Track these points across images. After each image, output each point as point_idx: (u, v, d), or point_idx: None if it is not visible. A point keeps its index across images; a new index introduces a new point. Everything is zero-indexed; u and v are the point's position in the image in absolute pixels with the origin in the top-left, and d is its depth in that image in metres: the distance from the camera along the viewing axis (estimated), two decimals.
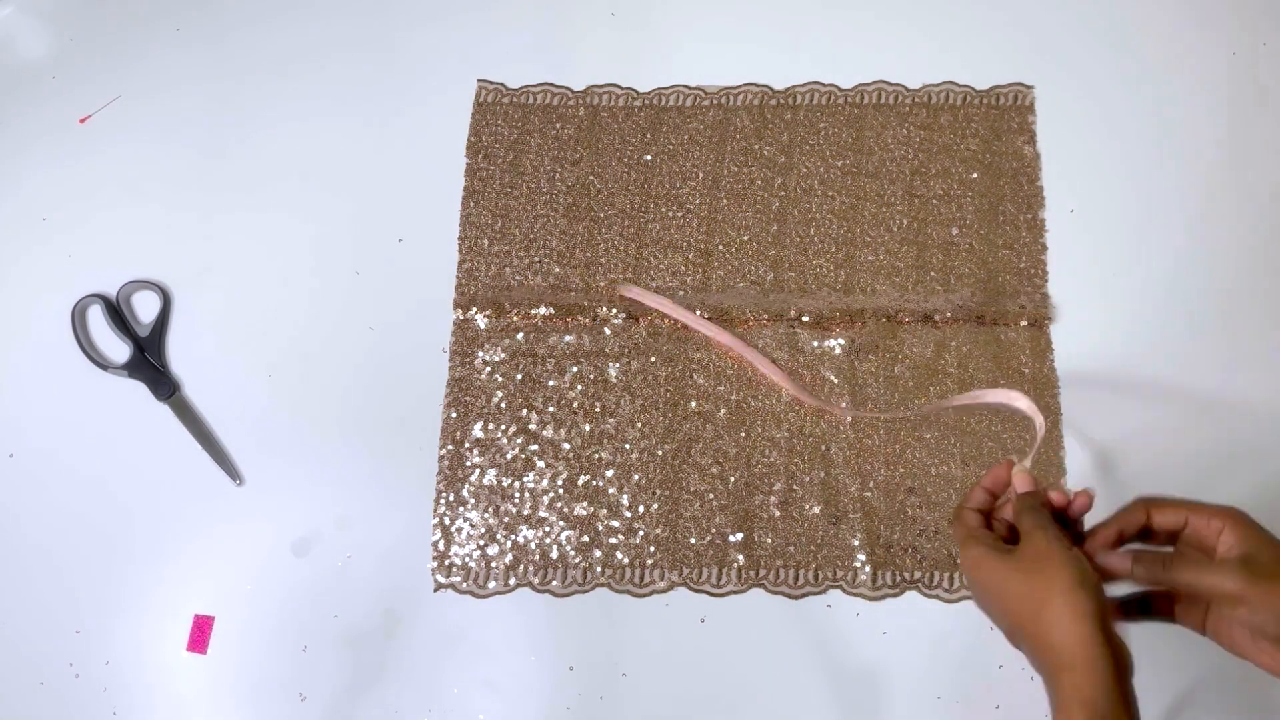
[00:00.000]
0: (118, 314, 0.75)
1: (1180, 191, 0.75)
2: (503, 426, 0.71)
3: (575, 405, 0.71)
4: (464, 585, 0.68)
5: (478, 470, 0.70)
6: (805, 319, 0.72)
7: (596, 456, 0.70)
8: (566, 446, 0.70)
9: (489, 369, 0.73)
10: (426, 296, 0.75)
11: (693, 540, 0.68)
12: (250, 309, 0.75)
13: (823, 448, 0.70)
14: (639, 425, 0.71)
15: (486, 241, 0.76)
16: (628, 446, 0.70)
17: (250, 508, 0.70)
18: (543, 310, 0.73)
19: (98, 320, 0.76)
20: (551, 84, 0.80)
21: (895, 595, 0.67)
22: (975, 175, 0.76)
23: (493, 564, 0.68)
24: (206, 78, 0.82)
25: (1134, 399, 0.70)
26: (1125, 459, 0.68)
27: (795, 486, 0.69)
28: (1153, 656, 0.51)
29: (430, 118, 0.80)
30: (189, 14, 0.85)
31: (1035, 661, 0.47)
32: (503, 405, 0.72)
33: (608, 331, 0.73)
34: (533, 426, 0.71)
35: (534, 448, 0.71)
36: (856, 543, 0.67)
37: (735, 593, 0.67)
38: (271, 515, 0.70)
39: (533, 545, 0.69)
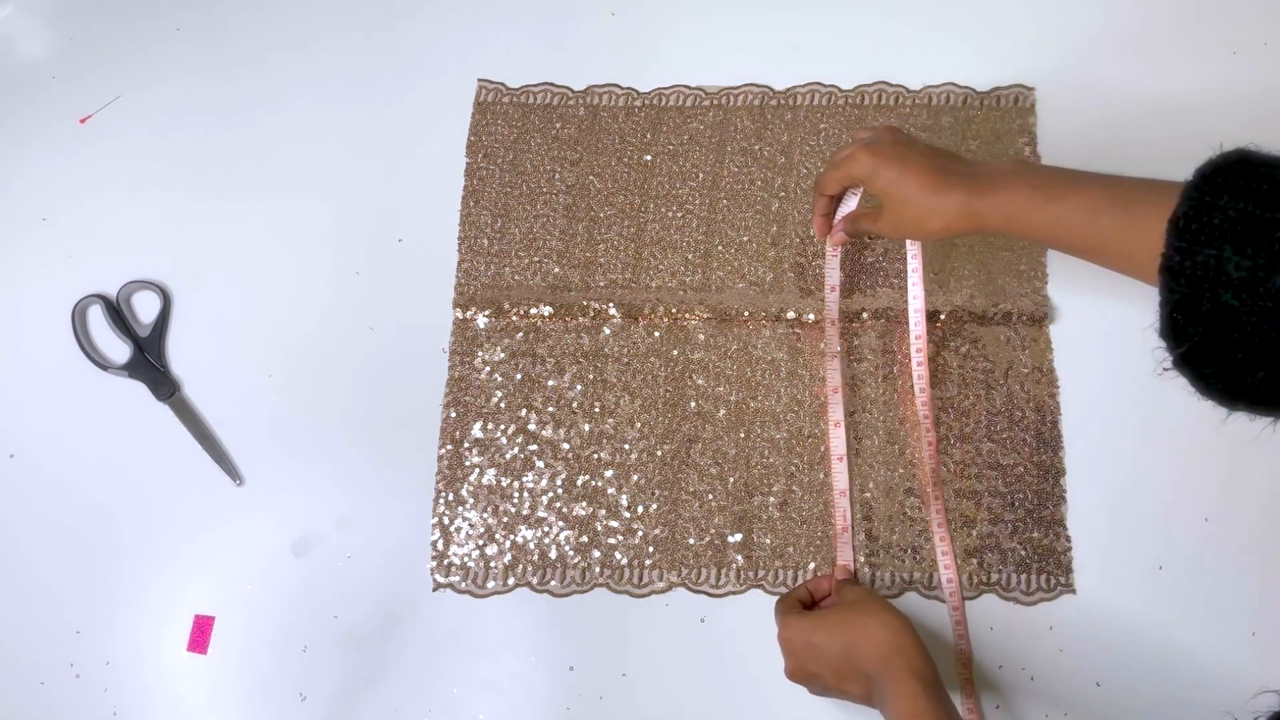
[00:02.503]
0: (118, 314, 0.75)
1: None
2: (502, 426, 0.71)
3: (574, 405, 0.71)
4: (463, 585, 0.68)
5: (477, 470, 0.70)
6: (805, 319, 0.72)
7: (595, 457, 0.70)
8: (566, 446, 0.71)
9: (488, 369, 0.73)
10: (426, 296, 0.75)
11: (692, 541, 0.68)
12: (250, 309, 0.75)
13: (822, 448, 0.70)
14: (638, 425, 0.71)
15: (486, 241, 0.76)
16: (627, 447, 0.70)
17: (250, 508, 0.71)
18: (542, 310, 0.73)
19: (98, 320, 0.76)
20: (551, 84, 0.80)
21: (894, 596, 0.67)
22: None
23: (491, 564, 0.68)
24: (207, 78, 0.82)
25: (1134, 399, 0.70)
26: (1125, 459, 0.69)
27: (794, 487, 0.69)
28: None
29: (430, 118, 0.80)
30: (189, 14, 0.85)
31: (855, 685, 0.57)
32: (502, 405, 0.72)
33: (607, 331, 0.73)
34: (532, 426, 0.71)
35: (533, 447, 0.71)
36: (856, 544, 0.67)
37: (734, 593, 0.67)
38: (271, 515, 0.70)
39: (531, 545, 0.69)
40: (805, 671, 0.60)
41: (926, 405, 0.69)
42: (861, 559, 0.67)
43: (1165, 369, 0.48)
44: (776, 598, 0.65)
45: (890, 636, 0.56)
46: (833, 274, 0.70)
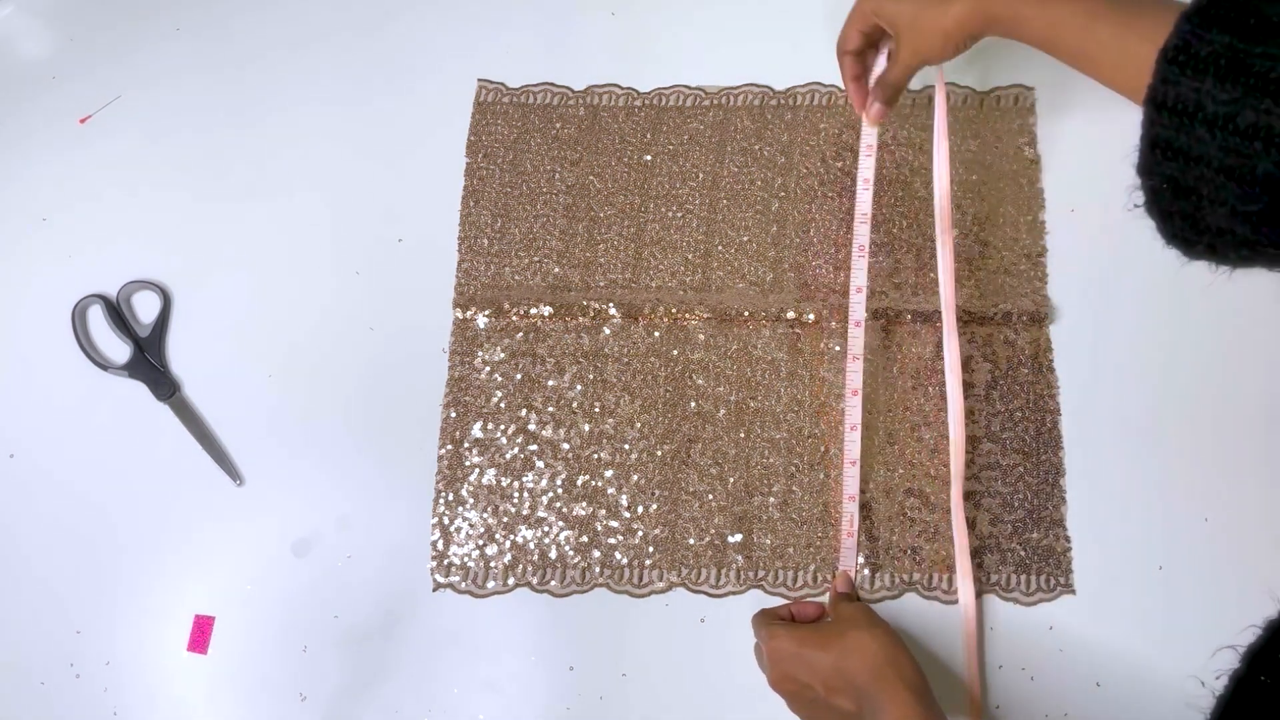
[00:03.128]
0: (118, 314, 0.75)
1: None
2: (502, 426, 0.71)
3: (574, 405, 0.71)
4: (463, 585, 0.68)
5: (477, 470, 0.70)
6: (805, 319, 0.72)
7: (595, 457, 0.70)
8: (566, 446, 0.71)
9: (488, 369, 0.73)
10: (426, 296, 0.75)
11: (691, 541, 0.68)
12: (250, 309, 0.75)
13: (822, 449, 0.70)
14: (638, 425, 0.71)
15: (486, 241, 0.76)
16: (627, 447, 0.70)
17: (250, 508, 0.71)
18: (542, 310, 0.73)
19: (98, 320, 0.76)
20: (551, 84, 0.80)
21: (894, 597, 0.67)
22: (975, 177, 0.76)
23: (491, 564, 0.68)
24: (207, 77, 0.82)
25: (1133, 399, 0.70)
26: (1125, 459, 0.69)
27: (794, 488, 0.69)
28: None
29: (430, 118, 0.80)
30: (189, 14, 0.85)
31: (845, 698, 0.56)
32: (502, 405, 0.72)
33: (607, 331, 0.73)
34: (532, 426, 0.71)
35: (533, 447, 0.71)
36: (856, 544, 0.67)
37: (734, 594, 0.67)
38: (271, 515, 0.70)
39: (531, 545, 0.69)
40: (794, 682, 0.58)
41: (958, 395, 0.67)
42: (861, 559, 0.67)
43: (1135, 205, 0.49)
44: (765, 606, 0.64)
45: (881, 649, 0.56)
46: (860, 274, 0.69)
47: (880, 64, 0.68)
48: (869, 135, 0.69)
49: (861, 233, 0.70)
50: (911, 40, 0.63)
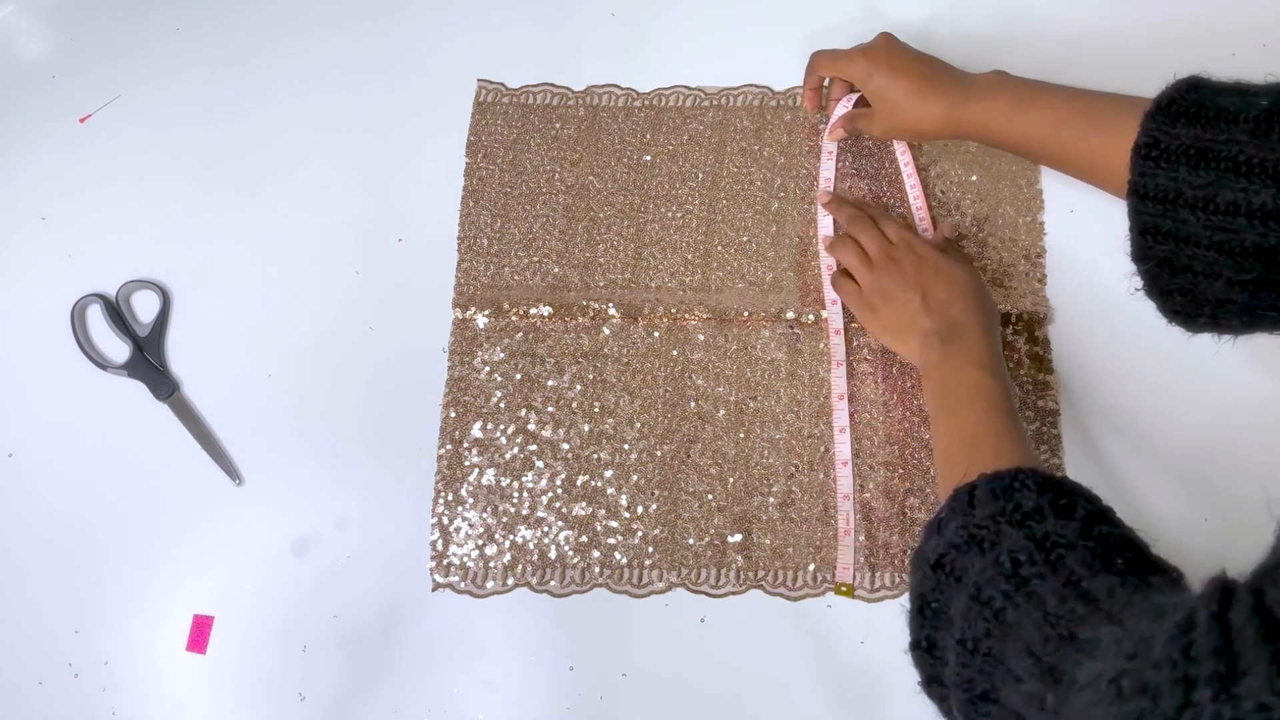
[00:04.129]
0: (117, 314, 0.75)
1: None
2: (501, 426, 0.71)
3: (574, 405, 0.71)
4: (462, 585, 0.68)
5: (476, 470, 0.70)
6: (805, 319, 0.72)
7: (595, 457, 0.70)
8: (565, 446, 0.71)
9: (488, 369, 0.73)
10: (426, 296, 0.75)
11: (691, 541, 0.68)
12: (250, 309, 0.75)
13: (821, 449, 0.70)
14: (638, 426, 0.71)
15: (486, 241, 0.76)
16: (626, 447, 0.70)
17: (250, 508, 0.71)
18: (542, 310, 0.73)
19: (97, 320, 0.76)
20: (551, 84, 0.80)
21: (894, 597, 0.67)
22: (974, 178, 0.76)
23: (491, 564, 0.68)
24: (206, 77, 0.82)
25: (1132, 400, 0.70)
26: (1124, 459, 0.69)
27: (794, 488, 0.69)
28: None
29: (430, 118, 0.80)
30: (189, 13, 0.85)
31: (928, 321, 0.64)
32: (501, 405, 0.72)
33: (607, 331, 0.73)
34: (531, 426, 0.71)
35: (533, 447, 0.71)
36: (855, 545, 0.67)
37: (734, 594, 0.67)
38: (271, 515, 0.70)
39: (531, 545, 0.69)
40: (903, 280, 0.66)
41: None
42: (861, 559, 0.67)
43: (1136, 289, 0.53)
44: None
45: (979, 287, 0.66)
46: (831, 290, 0.72)
47: (844, 107, 0.74)
48: (830, 144, 0.76)
49: (825, 226, 0.74)
50: (886, 121, 0.69)
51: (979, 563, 0.44)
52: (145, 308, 0.76)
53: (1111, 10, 0.80)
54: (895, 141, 0.76)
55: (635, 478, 0.70)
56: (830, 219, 0.74)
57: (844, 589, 0.66)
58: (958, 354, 0.61)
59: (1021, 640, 0.40)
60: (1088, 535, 0.42)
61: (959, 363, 0.60)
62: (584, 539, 0.69)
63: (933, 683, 0.46)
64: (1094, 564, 0.41)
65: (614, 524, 0.69)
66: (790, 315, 0.72)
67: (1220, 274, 0.47)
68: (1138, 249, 0.51)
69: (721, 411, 0.71)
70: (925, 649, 0.46)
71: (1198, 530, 0.66)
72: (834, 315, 0.72)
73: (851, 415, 0.70)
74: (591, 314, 0.73)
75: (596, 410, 0.71)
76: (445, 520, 0.69)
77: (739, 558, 0.68)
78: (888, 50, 0.68)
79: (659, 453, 0.70)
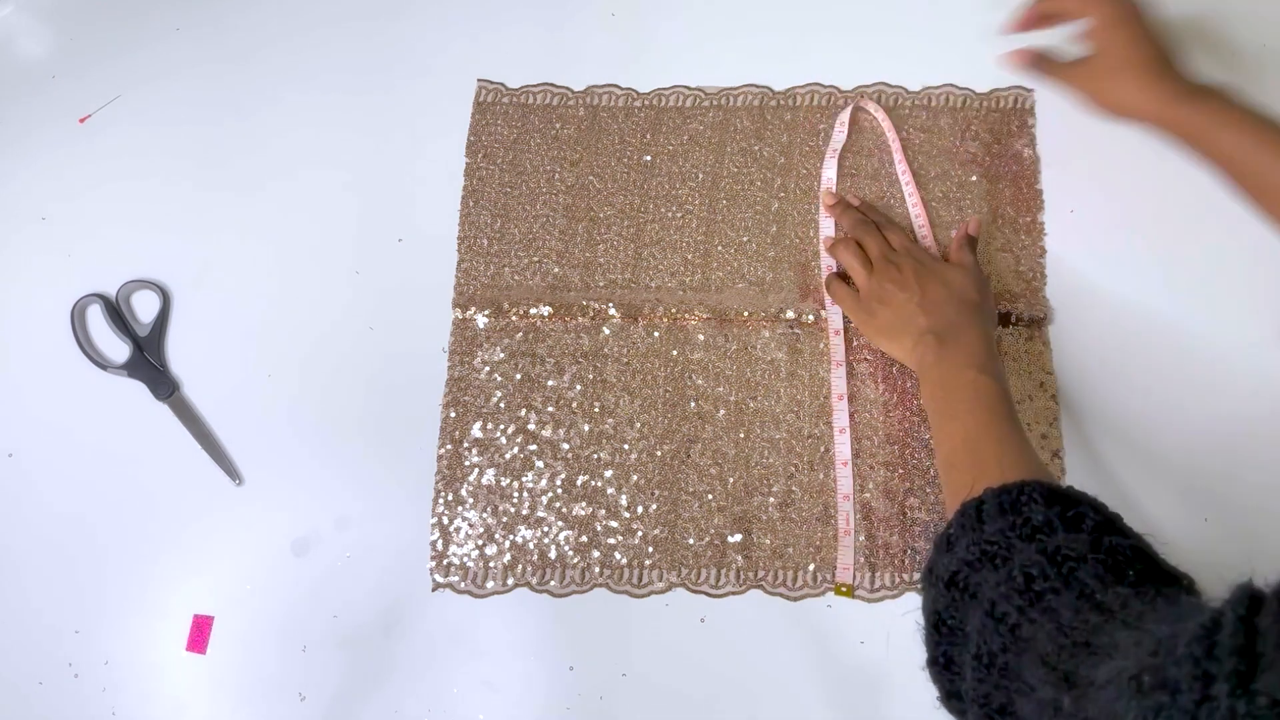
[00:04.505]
0: (117, 314, 0.75)
1: (1179, 192, 0.75)
2: (501, 426, 0.71)
3: (574, 405, 0.71)
4: (462, 585, 0.68)
5: (476, 470, 0.70)
6: (805, 319, 0.72)
7: (595, 457, 0.70)
8: (565, 446, 0.71)
9: (488, 368, 0.73)
10: (426, 296, 0.75)
11: (691, 541, 0.68)
12: (250, 309, 0.75)
13: (821, 449, 0.70)
14: (638, 426, 0.71)
15: (486, 241, 0.76)
16: (626, 447, 0.70)
17: (250, 508, 0.70)
18: (542, 310, 0.73)
19: (97, 320, 0.76)
20: (551, 84, 0.80)
21: (894, 597, 0.67)
22: (975, 178, 0.76)
23: (491, 564, 0.68)
24: (206, 77, 0.82)
25: (1132, 400, 0.70)
26: (1124, 460, 0.69)
27: (794, 488, 0.69)
28: None
29: (430, 118, 0.80)
30: (189, 14, 0.85)
31: (924, 318, 0.64)
32: (501, 405, 0.72)
33: (607, 331, 0.73)
34: (531, 426, 0.71)
35: (533, 447, 0.71)
36: (855, 545, 0.67)
37: (734, 594, 0.67)
38: (271, 515, 0.70)
39: (531, 545, 0.69)
40: (899, 284, 0.66)
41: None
42: (861, 559, 0.67)
43: None
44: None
45: (977, 286, 0.66)
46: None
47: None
48: (833, 145, 0.75)
49: (826, 227, 0.74)
50: (1097, 83, 0.66)
51: (992, 578, 0.44)
52: (145, 308, 0.76)
53: None
54: (891, 139, 0.76)
55: (635, 478, 0.70)
56: (831, 220, 0.74)
57: (844, 589, 0.66)
58: (954, 355, 0.61)
59: (1036, 652, 0.40)
60: (1097, 547, 0.42)
61: (956, 365, 0.60)
62: (584, 539, 0.69)
63: (952, 698, 0.46)
64: (1106, 576, 0.41)
65: (614, 524, 0.69)
66: (790, 315, 0.72)
67: None
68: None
69: (721, 411, 0.71)
70: (942, 665, 0.46)
71: (1197, 530, 0.66)
72: (834, 315, 0.72)
73: (851, 415, 0.70)
74: (591, 314, 0.73)
75: (596, 410, 0.71)
76: (445, 520, 0.69)
77: (739, 558, 0.68)
78: (1138, 8, 0.64)
79: (659, 453, 0.70)
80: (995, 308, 0.69)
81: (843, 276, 0.72)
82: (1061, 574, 0.41)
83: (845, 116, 0.76)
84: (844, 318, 0.72)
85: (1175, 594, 0.40)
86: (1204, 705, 0.30)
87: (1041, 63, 0.69)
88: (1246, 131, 0.60)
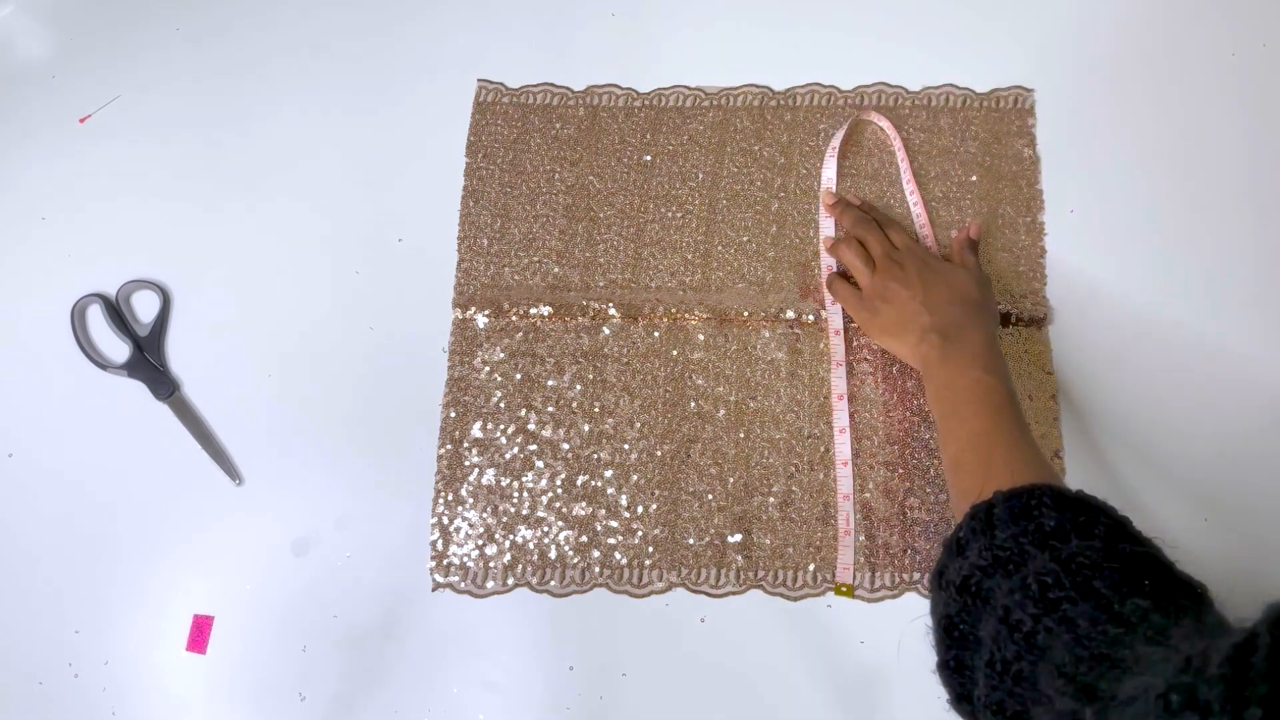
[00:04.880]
0: (117, 314, 0.75)
1: (1179, 193, 0.75)
2: (501, 426, 0.71)
3: (574, 405, 0.71)
4: (462, 585, 0.68)
5: (476, 470, 0.70)
6: (805, 319, 0.72)
7: (595, 457, 0.70)
8: (565, 446, 0.71)
9: (488, 368, 0.73)
10: (426, 296, 0.75)
11: (691, 541, 0.68)
12: (250, 309, 0.75)
13: (821, 449, 0.70)
14: (638, 425, 0.71)
15: (486, 241, 0.76)
16: (626, 447, 0.70)
17: (250, 508, 0.70)
18: (542, 310, 0.73)
19: (97, 320, 0.76)
20: (551, 84, 0.80)
21: (894, 597, 0.67)
22: (975, 178, 0.76)
23: (491, 564, 0.68)
24: (206, 78, 0.82)
25: (1132, 399, 0.70)
26: (1124, 460, 0.69)
27: (794, 488, 0.69)
28: None
29: (430, 118, 0.80)
30: (189, 14, 0.85)
31: (926, 317, 0.64)
32: (501, 405, 0.72)
33: (607, 331, 0.73)
34: (531, 426, 0.71)
35: (533, 447, 0.71)
36: (855, 545, 0.67)
37: (734, 594, 0.67)
38: (271, 515, 0.70)
39: (531, 545, 0.69)
40: (901, 284, 0.66)
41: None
42: (861, 559, 0.67)
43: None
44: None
45: (979, 286, 0.67)
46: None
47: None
48: (834, 142, 0.75)
49: (826, 226, 0.73)
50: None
51: (1005, 585, 0.44)
52: (145, 308, 0.76)
53: (1110, 9, 0.80)
54: (897, 148, 0.76)
55: (635, 478, 0.70)
56: (831, 220, 0.74)
57: (844, 589, 0.66)
58: (959, 355, 0.61)
59: (1052, 662, 0.39)
60: (1112, 555, 0.42)
61: (961, 365, 0.60)
62: (584, 539, 0.69)
63: (962, 700, 0.46)
64: (1122, 586, 0.41)
65: (614, 524, 0.69)
66: (790, 315, 0.72)
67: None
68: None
69: (721, 411, 0.71)
70: (953, 669, 0.46)
71: (1197, 530, 0.66)
72: (834, 315, 0.72)
73: (851, 415, 0.70)
74: (591, 314, 0.73)
75: (596, 410, 0.71)
76: (445, 520, 0.69)
77: (739, 558, 0.68)
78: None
79: (659, 453, 0.70)
80: (997, 310, 0.69)
81: (844, 276, 0.72)
82: (1077, 583, 0.41)
83: (843, 131, 0.76)
84: (845, 317, 0.72)
85: (1196, 608, 0.40)
86: None
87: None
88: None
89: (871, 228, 0.71)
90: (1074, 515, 0.45)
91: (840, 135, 0.76)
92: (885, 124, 0.76)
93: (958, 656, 0.46)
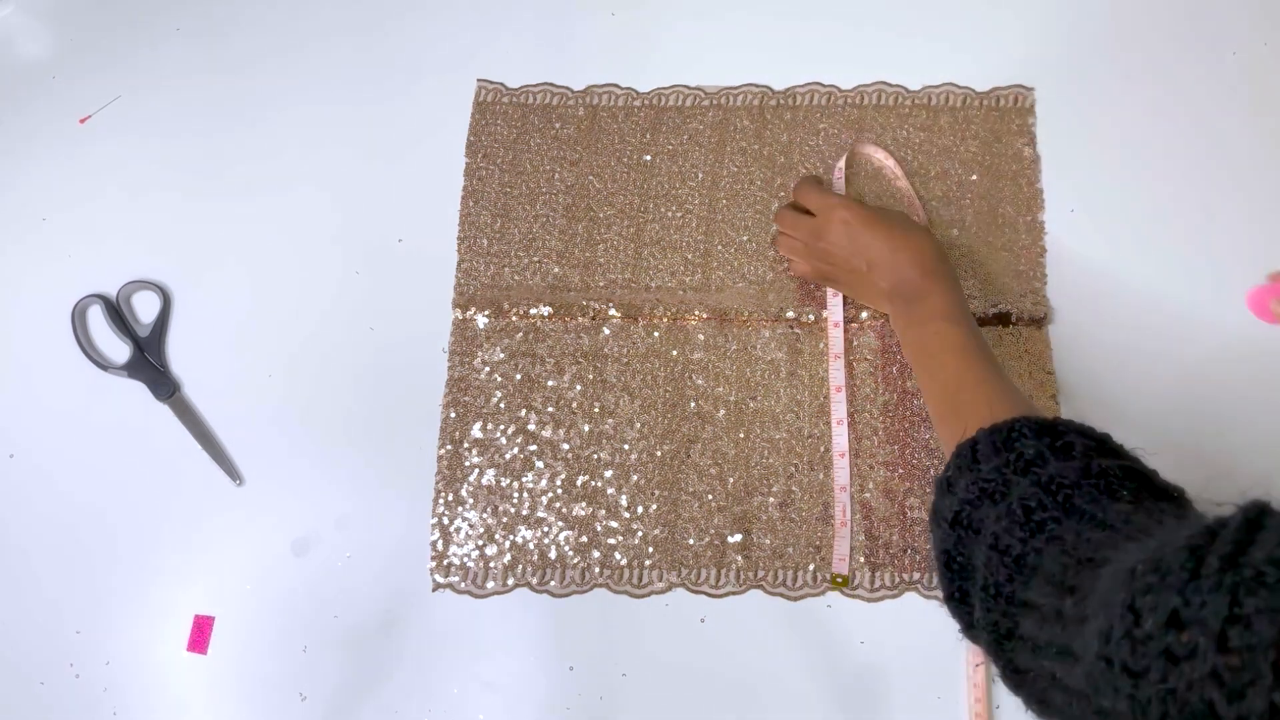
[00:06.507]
0: (118, 314, 0.75)
1: (1180, 192, 0.75)
2: (501, 426, 0.71)
3: (574, 405, 0.71)
4: (463, 585, 0.68)
5: (476, 470, 0.70)
6: (805, 319, 0.72)
7: (595, 457, 0.70)
8: (565, 447, 0.71)
9: (488, 369, 0.73)
10: (426, 296, 0.75)
11: (691, 541, 0.68)
12: (250, 309, 0.75)
13: (821, 449, 0.70)
14: (638, 426, 0.71)
15: (486, 241, 0.76)
16: (626, 447, 0.70)
17: (250, 508, 0.71)
18: (542, 310, 0.73)
19: (98, 320, 0.76)
20: (551, 84, 0.80)
21: (894, 597, 0.67)
22: (975, 177, 0.76)
23: (491, 564, 0.68)
24: (206, 78, 0.82)
25: (1133, 400, 0.70)
26: None
27: (794, 488, 0.69)
28: None
29: (430, 118, 0.80)
30: (189, 14, 0.85)
31: (879, 279, 0.65)
32: (502, 405, 0.72)
33: (607, 331, 0.73)
34: (531, 426, 0.71)
35: (533, 448, 0.71)
36: (855, 544, 0.67)
37: (734, 594, 0.67)
38: (271, 515, 0.70)
39: (531, 545, 0.69)
40: (840, 250, 0.67)
41: None
42: (861, 559, 0.67)
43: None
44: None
45: (934, 250, 0.65)
46: (831, 290, 0.72)
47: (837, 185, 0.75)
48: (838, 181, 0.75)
49: (835, 304, 0.73)
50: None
51: (993, 513, 0.45)
52: (145, 308, 0.76)
53: (1110, 9, 0.80)
54: (899, 174, 0.76)
55: (635, 478, 0.70)
56: None
57: (839, 580, 0.66)
58: (921, 311, 0.62)
59: (1042, 577, 0.41)
60: (1089, 472, 0.43)
61: (923, 318, 0.62)
62: (584, 539, 0.69)
63: (971, 628, 0.48)
64: (1101, 498, 0.42)
65: (614, 524, 0.69)
66: (790, 315, 0.72)
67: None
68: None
69: (721, 411, 0.71)
70: (959, 600, 0.48)
71: None
72: (834, 308, 0.72)
73: (851, 414, 0.70)
74: (591, 314, 0.73)
75: (596, 410, 0.71)
76: (445, 520, 0.69)
77: (739, 558, 0.68)
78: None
79: (659, 453, 0.70)
80: (941, 248, 0.68)
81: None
82: (1059, 502, 0.42)
83: (842, 164, 0.76)
84: (844, 312, 0.72)
85: (1178, 511, 0.41)
86: (1193, 582, 0.30)
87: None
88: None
89: (783, 212, 0.72)
90: (1052, 440, 0.46)
91: (841, 164, 0.76)
92: (883, 155, 0.76)
93: (961, 588, 0.47)
